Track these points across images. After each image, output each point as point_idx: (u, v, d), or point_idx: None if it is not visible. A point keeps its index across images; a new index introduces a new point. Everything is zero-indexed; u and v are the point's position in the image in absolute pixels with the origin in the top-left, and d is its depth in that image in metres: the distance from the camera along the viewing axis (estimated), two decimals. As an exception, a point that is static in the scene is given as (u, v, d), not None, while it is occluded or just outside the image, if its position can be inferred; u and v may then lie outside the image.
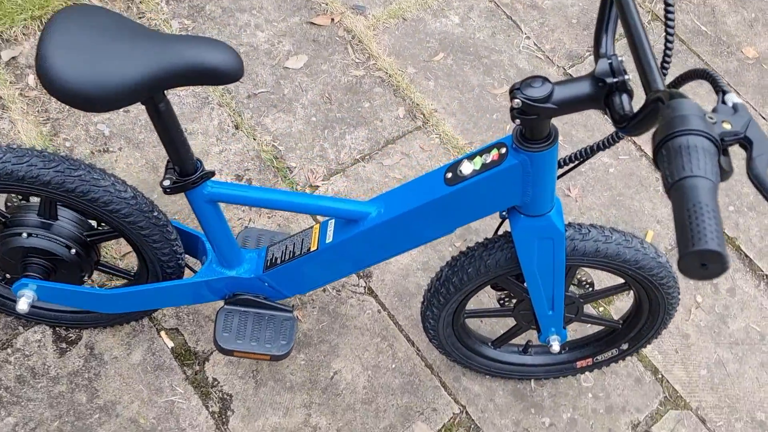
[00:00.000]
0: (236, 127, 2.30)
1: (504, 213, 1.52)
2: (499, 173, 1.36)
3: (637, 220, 2.30)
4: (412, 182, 1.52)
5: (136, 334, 1.96)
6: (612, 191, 2.34)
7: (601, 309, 2.14)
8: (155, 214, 1.59)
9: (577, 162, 1.46)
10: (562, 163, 1.44)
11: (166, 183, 1.46)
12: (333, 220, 1.60)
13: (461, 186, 1.40)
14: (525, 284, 1.64)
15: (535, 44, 2.61)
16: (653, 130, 1.08)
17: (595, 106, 1.22)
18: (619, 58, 1.21)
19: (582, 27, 2.68)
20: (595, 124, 2.46)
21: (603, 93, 1.18)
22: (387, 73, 2.47)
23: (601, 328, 1.92)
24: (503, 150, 1.37)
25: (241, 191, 1.52)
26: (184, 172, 1.45)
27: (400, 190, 1.53)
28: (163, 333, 1.96)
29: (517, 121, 1.25)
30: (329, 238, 1.58)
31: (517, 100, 1.22)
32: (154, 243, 1.61)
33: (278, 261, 1.66)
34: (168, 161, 1.47)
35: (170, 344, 1.95)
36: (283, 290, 1.71)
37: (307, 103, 2.38)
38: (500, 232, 1.61)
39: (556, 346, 1.72)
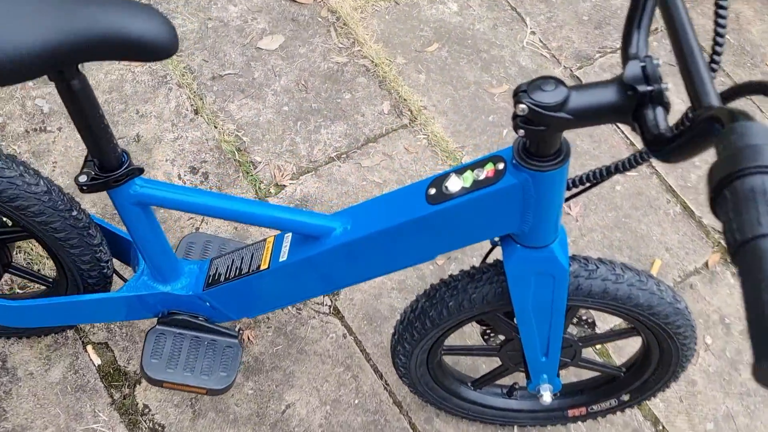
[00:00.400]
0: (196, 112, 2.02)
1: (496, 239, 1.25)
2: (494, 194, 1.10)
3: (644, 246, 2.04)
4: (387, 196, 1.26)
5: (57, 347, 1.68)
6: (617, 212, 2.08)
7: (597, 346, 1.87)
8: (74, 213, 1.31)
9: (588, 185, 1.19)
10: (571, 185, 1.18)
11: (83, 179, 1.18)
12: (290, 235, 1.33)
13: (446, 206, 1.14)
14: (516, 323, 1.37)
15: (540, 41, 2.34)
16: (695, 157, 0.83)
17: (621, 119, 0.96)
18: (655, 61, 0.95)
19: (594, 25, 2.41)
20: (602, 135, 2.19)
21: (632, 104, 0.93)
22: (373, 61, 2.19)
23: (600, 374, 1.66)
24: (500, 165, 1.10)
25: (177, 194, 1.24)
26: (106, 166, 1.17)
27: (372, 204, 1.26)
28: (89, 347, 1.68)
29: (521, 131, 0.99)
30: (283, 256, 1.31)
31: (522, 106, 0.96)
32: (71, 248, 1.33)
33: (222, 278, 1.38)
34: (88, 153, 1.19)
35: (97, 361, 1.67)
36: (227, 312, 1.44)
37: (280, 89, 2.09)
38: (490, 259, 1.34)
39: (547, 397, 1.45)
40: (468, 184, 1.13)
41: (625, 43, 1.03)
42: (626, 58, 1.01)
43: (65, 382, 1.64)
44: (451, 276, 1.36)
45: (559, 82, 0.98)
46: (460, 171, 1.15)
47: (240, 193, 1.92)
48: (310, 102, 2.09)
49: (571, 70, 2.30)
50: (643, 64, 0.94)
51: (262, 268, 1.33)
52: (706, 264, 2.04)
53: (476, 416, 1.68)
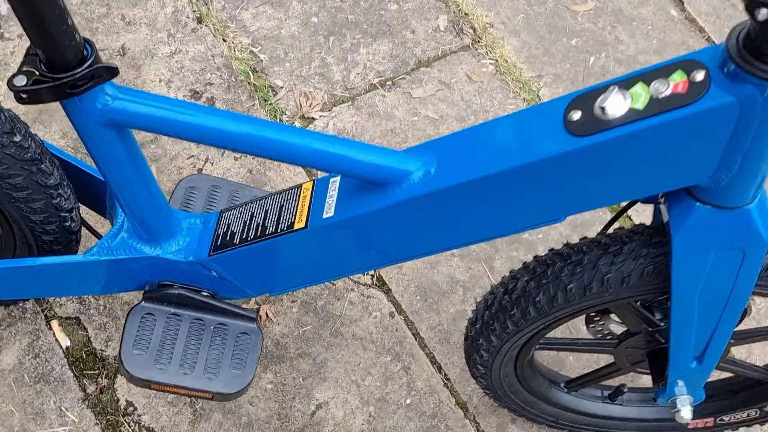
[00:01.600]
0: (199, 20, 1.56)
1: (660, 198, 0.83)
2: (691, 121, 0.68)
3: None
4: (493, 123, 0.83)
5: (12, 322, 1.27)
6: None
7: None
8: (16, 139, 0.88)
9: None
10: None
11: (20, 81, 0.75)
12: (338, 179, 0.90)
13: (604, 139, 0.72)
14: (659, 316, 0.96)
15: (631, -53, 1.87)
16: None
17: None
18: None
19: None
20: None
21: None
22: (425, -36, 1.73)
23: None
24: (699, 75, 0.68)
25: (171, 110, 0.80)
26: (57, 63, 0.74)
27: (467, 137, 0.85)
28: (55, 324, 1.27)
29: (763, 11, 0.57)
30: (329, 211, 0.88)
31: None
32: (14, 190, 0.91)
33: (236, 239, 0.96)
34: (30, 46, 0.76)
35: (65, 342, 1.26)
36: (242, 286, 1.02)
37: (308, -6, 1.64)
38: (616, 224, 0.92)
39: (686, 413, 1.04)
40: (641, 105, 0.71)
41: None
42: None
43: (21, 369, 1.23)
44: (568, 245, 0.94)
45: None
46: (625, 83, 0.73)
47: (256, 125, 1.49)
48: (345, 12, 1.63)
49: (669, -15, 1.84)
50: None
51: (296, 226, 0.90)
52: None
53: (566, 425, 1.27)
